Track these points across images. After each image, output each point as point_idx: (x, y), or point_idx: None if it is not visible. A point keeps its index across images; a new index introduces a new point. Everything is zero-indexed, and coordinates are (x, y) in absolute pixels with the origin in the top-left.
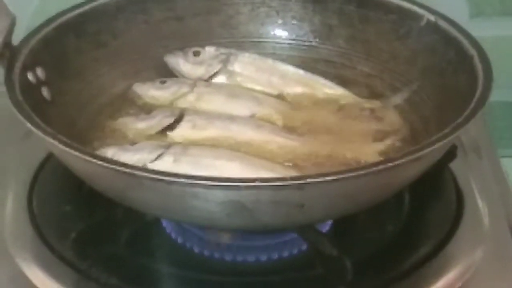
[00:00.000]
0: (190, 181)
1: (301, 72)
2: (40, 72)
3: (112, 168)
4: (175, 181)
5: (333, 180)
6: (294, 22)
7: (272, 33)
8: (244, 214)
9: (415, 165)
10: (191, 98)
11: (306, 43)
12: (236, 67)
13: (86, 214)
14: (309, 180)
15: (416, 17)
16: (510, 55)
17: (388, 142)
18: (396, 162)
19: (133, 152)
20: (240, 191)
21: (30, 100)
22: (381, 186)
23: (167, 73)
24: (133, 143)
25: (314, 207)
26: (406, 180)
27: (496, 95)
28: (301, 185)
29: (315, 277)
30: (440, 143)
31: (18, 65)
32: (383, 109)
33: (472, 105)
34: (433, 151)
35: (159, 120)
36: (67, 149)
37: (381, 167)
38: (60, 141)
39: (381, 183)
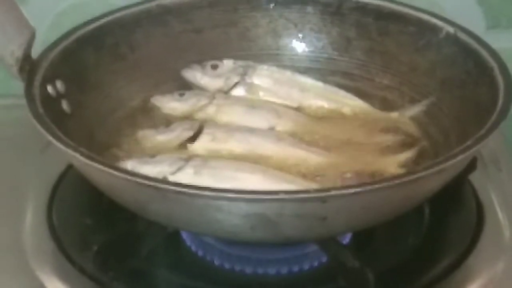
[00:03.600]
0: (214, 193)
1: (320, 84)
2: (59, 85)
3: (133, 181)
4: (199, 194)
5: (356, 192)
6: (312, 34)
7: (290, 45)
8: (268, 226)
9: (437, 178)
10: (210, 110)
11: (324, 56)
12: (255, 79)
13: (107, 227)
14: (332, 192)
15: (435, 29)
16: None
17: (408, 154)
18: (419, 175)
19: (153, 165)
20: (264, 203)
21: (50, 113)
22: (402, 198)
23: (185, 86)
24: (152, 155)
25: (336, 220)
26: (428, 193)
27: None
28: (324, 197)
29: None
30: (463, 156)
31: (38, 78)
32: (401, 121)
33: (493, 117)
34: (455, 164)
35: (178, 133)
36: (88, 161)
37: (403, 179)
38: (82, 154)
39: (403, 195)
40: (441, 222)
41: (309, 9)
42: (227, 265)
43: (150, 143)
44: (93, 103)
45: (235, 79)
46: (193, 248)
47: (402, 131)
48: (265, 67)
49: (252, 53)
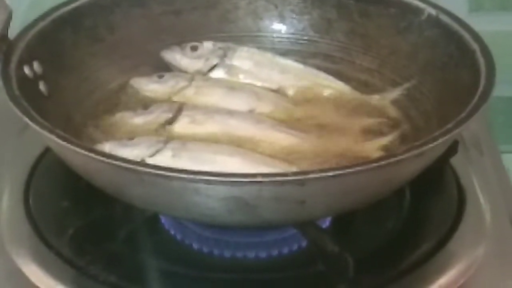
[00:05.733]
0: (191, 176)
1: (300, 66)
2: (36, 66)
3: (111, 163)
4: (176, 176)
5: (335, 175)
6: (293, 16)
7: (270, 27)
8: (246, 210)
9: (417, 161)
10: (189, 92)
11: (305, 38)
12: (235, 61)
13: (84, 210)
14: (310, 175)
15: (417, 11)
16: (509, 50)
17: (389, 137)
18: (398, 158)
19: (131, 147)
20: (242, 186)
21: (26, 95)
22: (383, 182)
23: (165, 68)
24: (131, 138)
25: (316, 203)
26: (408, 176)
27: (494, 90)
28: (302, 180)
29: (316, 274)
30: (443, 138)
31: (14, 59)
32: (382, 104)
33: (475, 100)
34: (436, 147)
35: (157, 115)
36: (65, 143)
37: (383, 162)
38: (58, 136)
39: (383, 179)
40: (422, 206)
41: None
42: (205, 249)
43: (128, 125)
44: (71, 85)
45: (215, 60)
46: (172, 231)
47: (383, 114)
48: (245, 49)
49: (232, 35)
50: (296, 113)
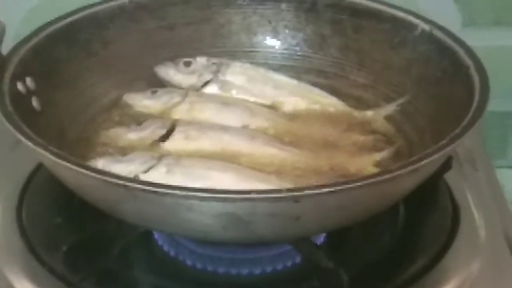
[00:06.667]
0: (184, 193)
1: (294, 82)
2: (29, 82)
3: (104, 180)
4: (169, 193)
5: (330, 192)
6: (286, 31)
7: (264, 42)
8: (240, 226)
9: (412, 177)
10: (183, 108)
11: (299, 53)
12: (228, 77)
13: (77, 226)
14: (305, 192)
15: (410, 26)
16: (502, 65)
17: (383, 153)
18: (393, 174)
19: (125, 163)
20: (236, 203)
21: (19, 110)
22: (377, 198)
23: (158, 83)
24: (124, 154)
25: (310, 219)
26: (403, 192)
27: (488, 105)
28: (297, 197)
29: None
30: (438, 155)
31: (7, 74)
32: (375, 119)
33: (469, 115)
34: (430, 163)
35: (151, 131)
36: (58, 160)
37: (377, 179)
38: (51, 152)
39: (378, 195)
40: (416, 222)
41: (284, 5)
42: (199, 265)
43: (122, 141)
44: (64, 100)
45: (208, 76)
46: (165, 248)
47: (377, 130)
48: (239, 64)
49: (226, 50)
50: (289, 129)
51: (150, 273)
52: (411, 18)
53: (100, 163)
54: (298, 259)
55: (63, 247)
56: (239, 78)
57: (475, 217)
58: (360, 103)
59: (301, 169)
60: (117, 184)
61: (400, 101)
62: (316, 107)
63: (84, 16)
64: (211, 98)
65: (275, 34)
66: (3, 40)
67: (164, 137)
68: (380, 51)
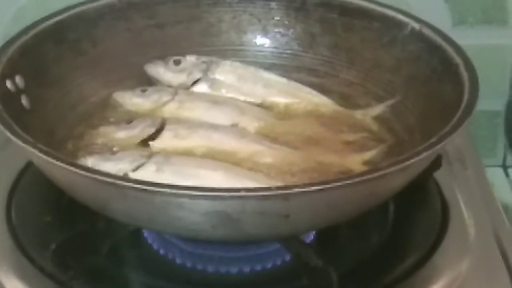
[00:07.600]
0: (174, 191)
1: (284, 80)
2: (19, 80)
3: (93, 178)
4: (158, 191)
5: (319, 190)
6: (276, 30)
7: (254, 41)
8: (229, 224)
9: (401, 175)
10: (172, 106)
11: (289, 52)
12: (218, 75)
13: (67, 224)
14: (294, 190)
15: (400, 25)
16: (492, 64)
17: (373, 152)
18: (382, 172)
19: (114, 162)
20: (225, 201)
21: (8, 109)
22: (366, 196)
23: (148, 82)
24: (113, 152)
25: (299, 218)
26: (392, 190)
27: (478, 104)
28: (286, 195)
29: None
30: (427, 153)
31: None
32: (365, 118)
33: (458, 114)
34: (419, 161)
35: (140, 130)
36: (47, 158)
37: (367, 177)
38: (41, 150)
39: (367, 193)
40: (406, 220)
41: (274, 4)
42: (189, 264)
43: (111, 139)
44: (53, 98)
45: (198, 74)
46: (155, 246)
47: (367, 128)
48: (228, 62)
49: (216, 48)
50: (279, 127)
51: (140, 271)
52: (401, 17)
53: (90, 161)
54: (287, 258)
55: (52, 245)
56: (229, 76)
57: (465, 215)
58: (350, 102)
59: (290, 167)
60: (107, 182)
61: (390, 101)
62: (306, 105)
63: (72, 14)
64: (201, 96)
65: (265, 33)
66: None
67: (154, 136)
68: (370, 49)
